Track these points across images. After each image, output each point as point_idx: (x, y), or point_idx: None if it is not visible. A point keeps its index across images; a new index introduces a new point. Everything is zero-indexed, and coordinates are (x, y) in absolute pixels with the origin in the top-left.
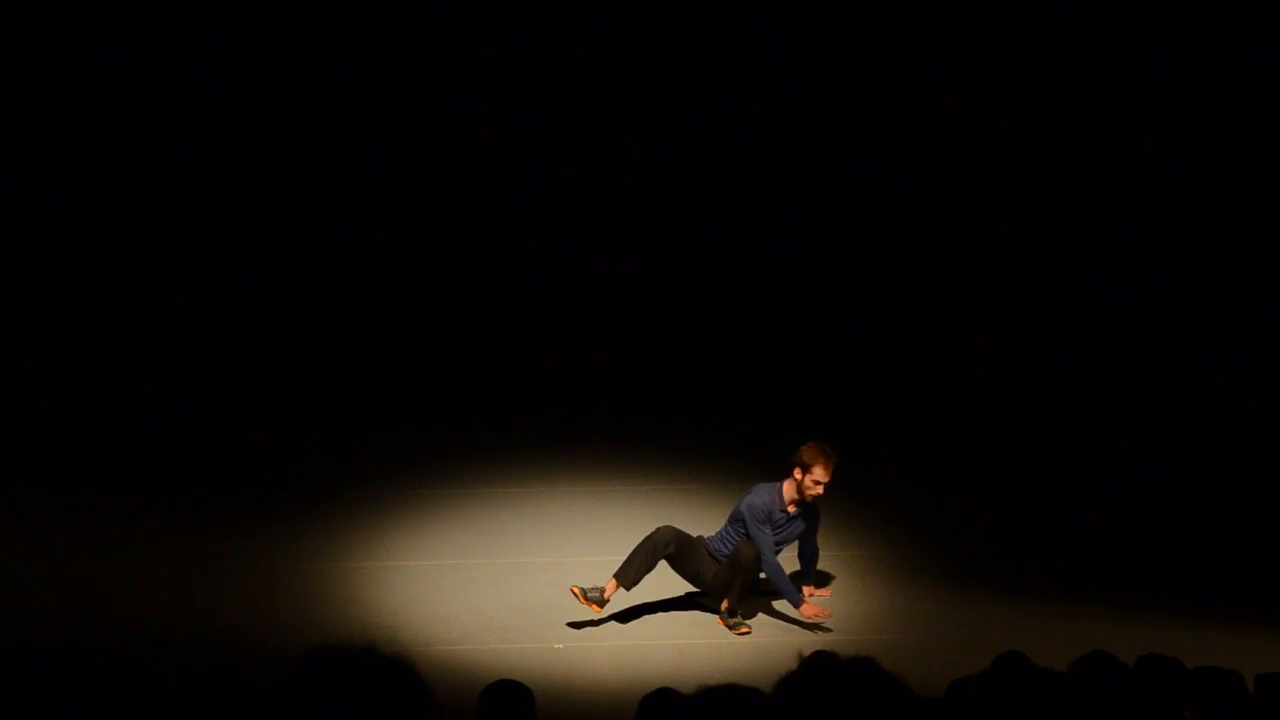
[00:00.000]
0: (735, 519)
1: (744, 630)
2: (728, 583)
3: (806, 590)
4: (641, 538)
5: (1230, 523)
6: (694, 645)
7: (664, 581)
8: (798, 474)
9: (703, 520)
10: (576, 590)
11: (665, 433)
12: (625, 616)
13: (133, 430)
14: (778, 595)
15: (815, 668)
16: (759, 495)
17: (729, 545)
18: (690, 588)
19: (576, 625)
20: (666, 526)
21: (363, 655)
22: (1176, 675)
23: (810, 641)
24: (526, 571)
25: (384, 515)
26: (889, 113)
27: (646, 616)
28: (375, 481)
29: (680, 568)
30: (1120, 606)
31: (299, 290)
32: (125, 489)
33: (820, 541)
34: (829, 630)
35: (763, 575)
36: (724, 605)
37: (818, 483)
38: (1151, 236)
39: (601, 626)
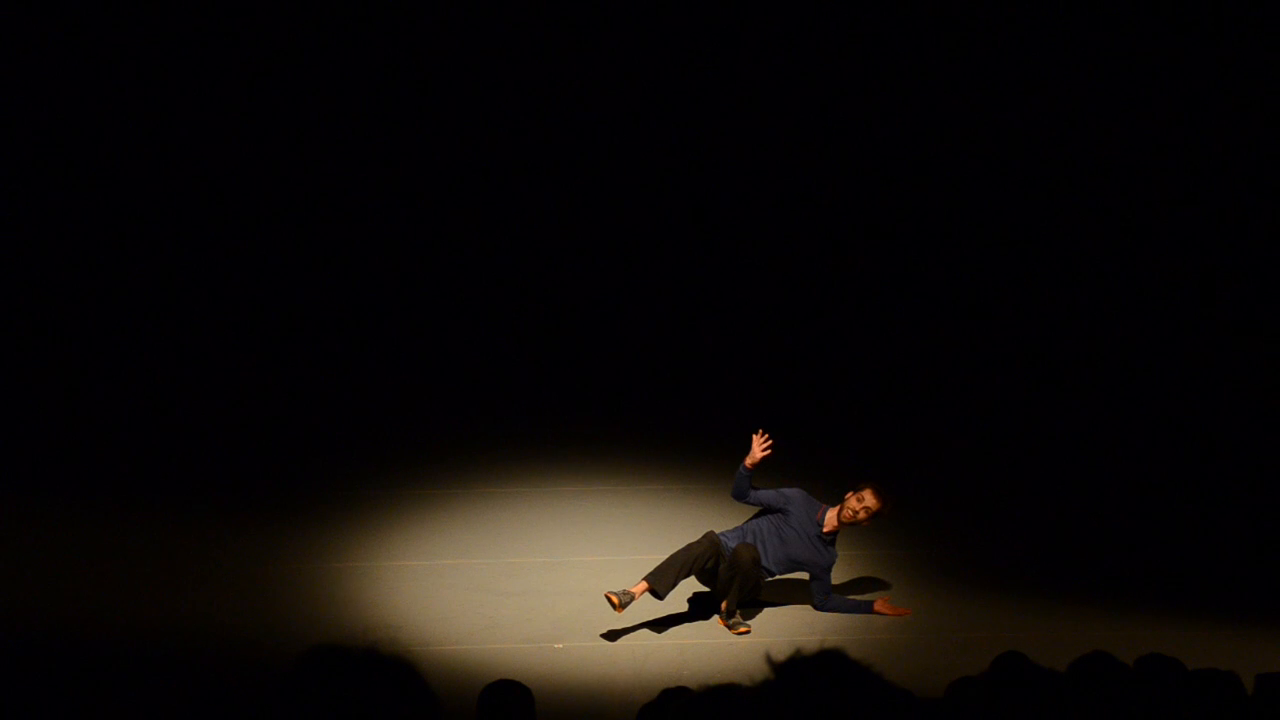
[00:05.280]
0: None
1: (744, 630)
2: (727, 584)
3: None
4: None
5: (1230, 522)
6: (694, 645)
7: None
8: (849, 495)
9: (703, 520)
10: (614, 598)
11: (665, 433)
12: (625, 616)
13: (132, 430)
14: (777, 600)
15: (815, 668)
16: (798, 494)
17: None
18: (695, 587)
19: (611, 636)
20: (710, 540)
21: (363, 655)
22: (1176, 675)
23: (810, 641)
24: (526, 571)
25: (384, 515)
26: (898, 114)
27: (646, 616)
28: (375, 481)
29: (703, 575)
30: (1120, 606)
31: (299, 289)
32: (125, 489)
33: None
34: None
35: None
36: (723, 605)
37: (862, 502)
38: (1151, 237)
39: (601, 627)
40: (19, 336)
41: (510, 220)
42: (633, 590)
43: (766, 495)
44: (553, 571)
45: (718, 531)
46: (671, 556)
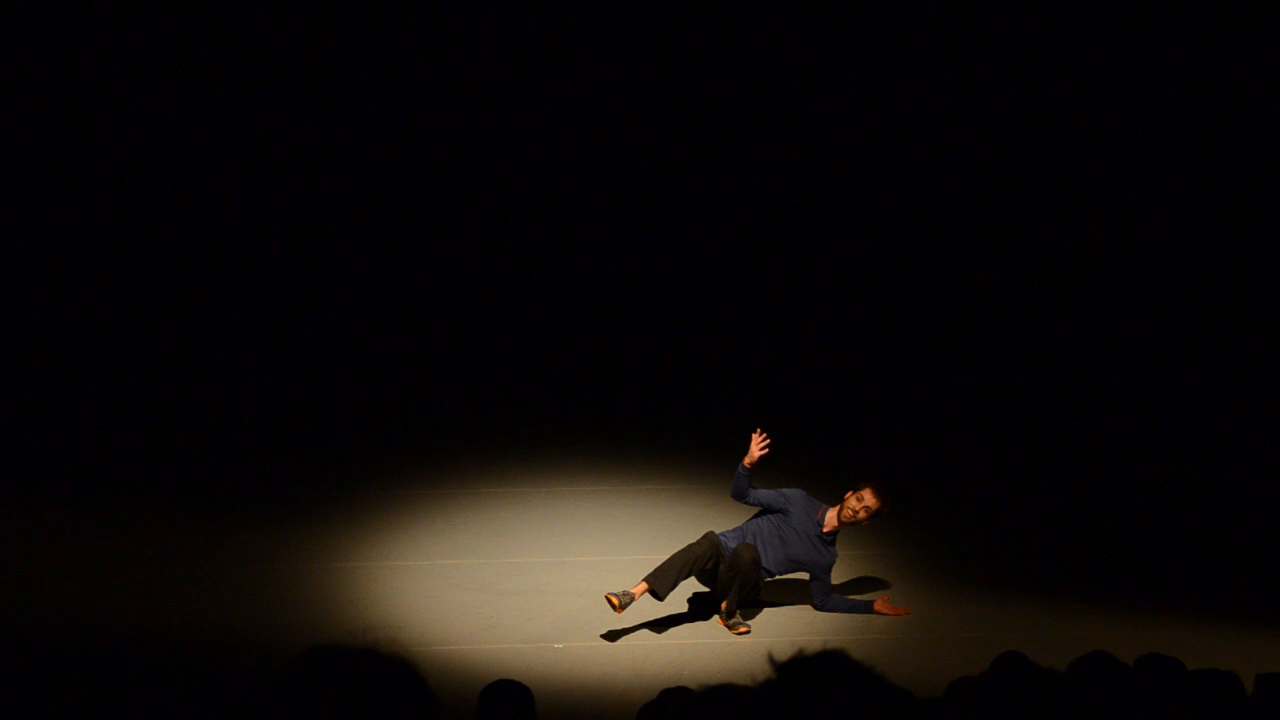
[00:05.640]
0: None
1: (744, 630)
2: (727, 584)
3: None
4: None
5: (1230, 523)
6: (694, 645)
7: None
8: (848, 495)
9: (703, 520)
10: (614, 599)
11: (665, 432)
12: (625, 617)
13: (132, 430)
14: (777, 600)
15: (815, 668)
16: (798, 494)
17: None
18: (695, 587)
19: (611, 637)
20: (710, 540)
21: (363, 655)
22: (1176, 675)
23: (810, 641)
24: (526, 571)
25: (384, 515)
26: (897, 112)
27: (646, 616)
28: (375, 481)
29: (703, 576)
30: (1120, 606)
31: (298, 289)
32: (124, 489)
33: None
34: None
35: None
36: (723, 605)
37: (861, 501)
38: (1150, 237)
39: (601, 627)
40: (19, 336)
41: (511, 219)
42: (633, 591)
43: (766, 495)
44: (553, 571)
45: (718, 532)
46: (671, 557)
